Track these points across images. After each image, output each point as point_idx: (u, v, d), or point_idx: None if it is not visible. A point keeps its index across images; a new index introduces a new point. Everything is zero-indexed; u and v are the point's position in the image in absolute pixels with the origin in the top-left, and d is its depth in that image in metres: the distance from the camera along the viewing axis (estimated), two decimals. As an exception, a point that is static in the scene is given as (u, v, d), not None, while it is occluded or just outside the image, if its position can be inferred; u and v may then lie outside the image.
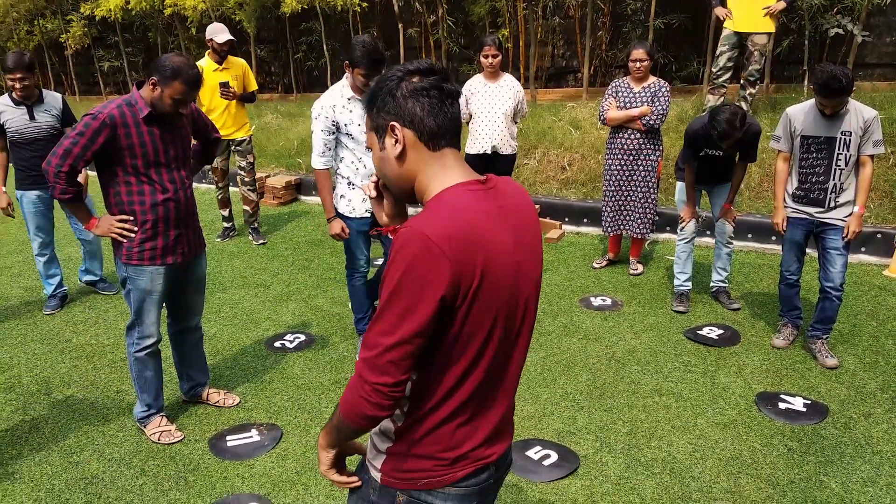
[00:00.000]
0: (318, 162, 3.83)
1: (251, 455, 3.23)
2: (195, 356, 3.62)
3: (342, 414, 1.43)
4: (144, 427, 3.40)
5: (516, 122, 5.41)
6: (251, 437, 3.37)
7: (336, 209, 3.92)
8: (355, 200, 3.88)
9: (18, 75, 4.34)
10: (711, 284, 4.96)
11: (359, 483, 1.60)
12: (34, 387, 3.88)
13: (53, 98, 4.67)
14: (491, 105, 5.17)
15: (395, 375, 1.34)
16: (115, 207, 3.09)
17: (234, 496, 2.95)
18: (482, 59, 5.14)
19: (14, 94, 4.44)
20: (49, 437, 3.40)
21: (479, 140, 5.24)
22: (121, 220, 3.07)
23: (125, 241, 3.10)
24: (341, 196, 3.90)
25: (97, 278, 5.22)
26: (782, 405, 3.54)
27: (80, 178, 3.14)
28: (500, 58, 5.14)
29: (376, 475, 1.53)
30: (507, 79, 5.26)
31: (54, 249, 4.95)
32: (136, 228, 3.09)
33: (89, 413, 3.61)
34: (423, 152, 1.43)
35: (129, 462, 3.19)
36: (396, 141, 1.43)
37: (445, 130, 1.42)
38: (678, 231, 4.83)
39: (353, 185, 3.86)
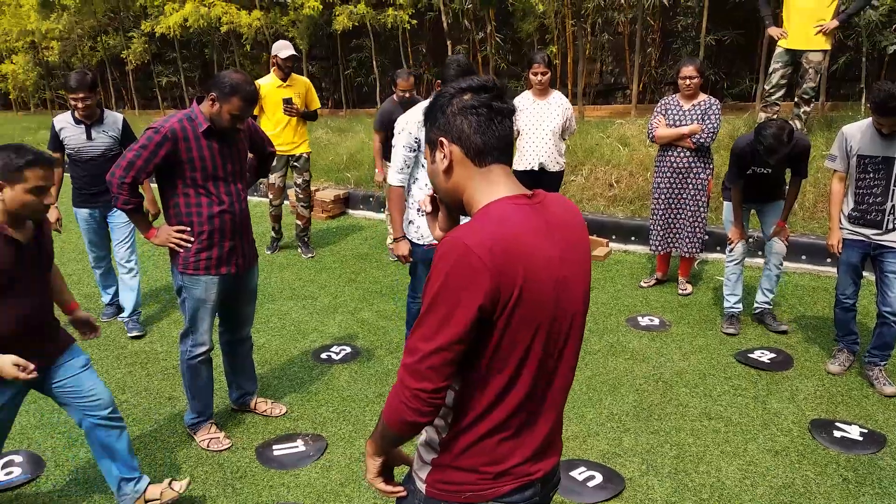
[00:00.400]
0: (394, 178, 3.68)
1: (296, 465, 3.28)
2: (245, 366, 3.69)
3: (385, 420, 1.46)
4: (194, 434, 3.47)
5: (564, 139, 5.40)
6: (297, 447, 3.42)
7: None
8: (424, 227, 3.72)
9: (81, 95, 4.35)
10: (755, 306, 4.84)
11: (404, 493, 1.62)
12: (90, 391, 4.00)
13: (114, 119, 4.64)
14: (539, 122, 5.18)
15: (435, 382, 1.37)
16: (174, 218, 3.19)
17: (279, 505, 2.99)
18: (531, 77, 5.15)
19: (76, 113, 4.51)
20: (104, 440, 3.50)
21: (525, 157, 5.24)
22: (178, 231, 3.17)
23: (182, 250, 3.19)
24: (410, 222, 3.75)
25: (126, 314, 4.85)
26: (837, 433, 3.44)
27: (147, 198, 3.24)
28: (549, 75, 5.14)
29: (421, 486, 1.55)
30: (556, 96, 5.26)
31: (111, 262, 5.06)
32: (192, 238, 3.18)
33: (142, 418, 3.71)
34: (469, 168, 1.47)
35: (179, 468, 3.27)
36: (444, 156, 1.48)
37: (492, 147, 1.46)
38: (727, 252, 4.75)
39: (422, 211, 3.71)
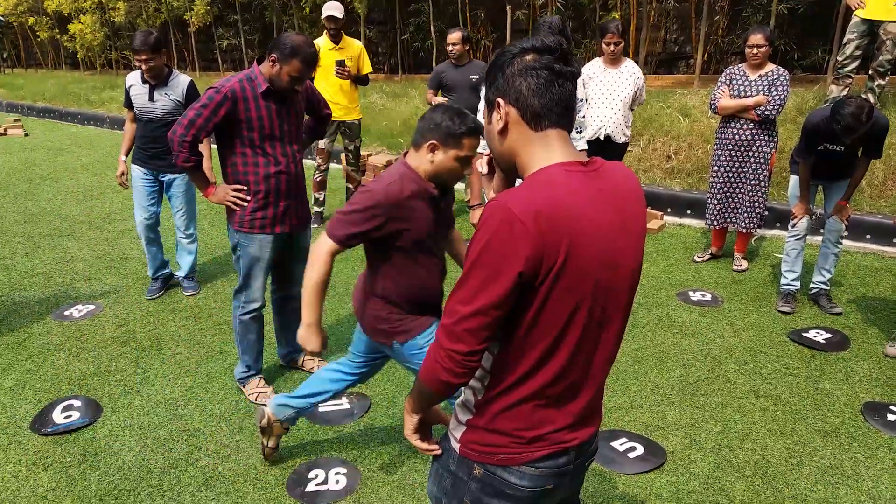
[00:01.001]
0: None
1: (340, 422, 3.35)
2: (295, 323, 3.77)
3: (421, 377, 1.47)
4: (243, 387, 3.58)
5: (632, 109, 5.28)
6: (342, 404, 3.49)
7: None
8: None
9: (144, 56, 4.29)
10: (812, 286, 4.68)
11: (439, 451, 1.63)
12: (147, 342, 4.16)
13: (178, 82, 4.52)
14: (609, 92, 5.05)
15: (470, 344, 1.36)
16: (231, 177, 3.25)
17: (322, 459, 3.06)
18: (604, 46, 5.02)
19: (144, 74, 4.48)
20: (158, 389, 3.64)
21: (592, 126, 5.13)
22: (235, 190, 3.23)
23: (238, 209, 3.26)
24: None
25: (182, 273, 4.97)
26: (891, 416, 3.33)
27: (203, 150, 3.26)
28: (622, 45, 5.01)
29: (455, 445, 1.56)
30: (629, 65, 5.12)
31: (152, 233, 4.81)
32: (248, 198, 3.24)
33: (195, 370, 3.83)
34: (525, 130, 1.43)
35: (228, 418, 3.38)
36: (500, 117, 1.44)
37: (549, 111, 1.41)
38: (789, 228, 4.59)
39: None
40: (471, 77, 5.99)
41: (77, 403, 3.48)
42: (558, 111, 1.41)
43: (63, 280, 5.15)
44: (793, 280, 4.59)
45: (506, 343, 1.43)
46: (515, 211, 1.30)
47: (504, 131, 1.45)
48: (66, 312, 4.57)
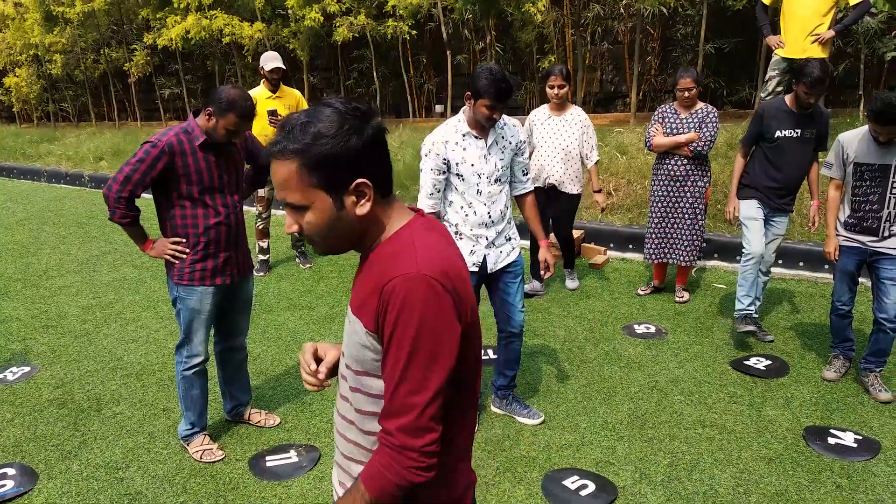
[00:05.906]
0: (425, 204, 3.38)
1: (289, 476, 3.27)
2: (239, 375, 3.69)
3: (375, 495, 1.31)
4: (188, 445, 3.47)
5: (586, 163, 5.26)
6: (290, 458, 3.41)
7: None
8: (462, 252, 3.29)
9: None
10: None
11: None
12: (85, 403, 4.01)
13: None
14: (552, 139, 5.15)
15: (438, 429, 1.29)
16: (170, 231, 3.20)
17: (271, 516, 2.98)
18: (548, 90, 5.09)
19: None
20: (97, 452, 3.51)
21: (540, 175, 5.23)
22: (174, 243, 3.18)
23: (177, 262, 3.20)
24: None
25: None
26: (832, 440, 3.42)
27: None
28: (566, 88, 5.03)
29: None
30: (574, 112, 5.17)
31: None
32: (188, 250, 3.19)
33: (136, 430, 3.71)
34: (379, 201, 1.38)
35: (171, 479, 3.27)
36: (368, 197, 1.36)
37: (392, 176, 1.40)
38: (743, 248, 4.52)
39: (460, 234, 3.40)
40: None
41: (11, 471, 3.32)
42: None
43: (-4, 342, 4.95)
44: (748, 305, 4.58)
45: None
46: (430, 275, 1.26)
47: (369, 211, 1.36)
48: (0, 375, 4.38)
